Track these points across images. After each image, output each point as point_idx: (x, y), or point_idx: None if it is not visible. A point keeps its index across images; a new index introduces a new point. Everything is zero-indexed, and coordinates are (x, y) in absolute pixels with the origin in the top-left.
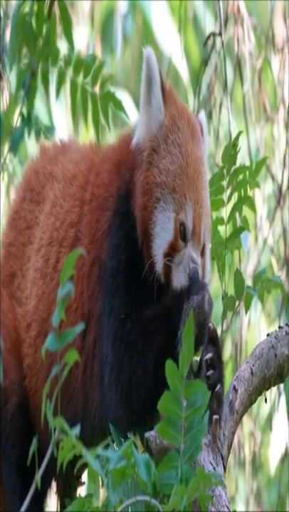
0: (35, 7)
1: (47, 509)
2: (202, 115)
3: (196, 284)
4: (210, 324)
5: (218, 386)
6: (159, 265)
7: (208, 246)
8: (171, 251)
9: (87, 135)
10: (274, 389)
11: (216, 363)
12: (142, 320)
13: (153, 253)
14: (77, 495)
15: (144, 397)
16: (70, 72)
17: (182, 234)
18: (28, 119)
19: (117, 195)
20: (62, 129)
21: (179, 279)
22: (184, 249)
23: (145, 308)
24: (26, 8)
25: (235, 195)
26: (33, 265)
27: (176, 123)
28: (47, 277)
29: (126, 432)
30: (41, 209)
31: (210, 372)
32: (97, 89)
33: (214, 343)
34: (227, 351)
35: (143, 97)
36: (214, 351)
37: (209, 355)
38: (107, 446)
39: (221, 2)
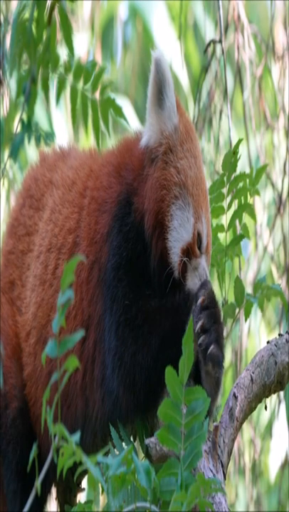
0: (36, 13)
1: None
2: None
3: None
4: (200, 299)
5: (211, 347)
6: (175, 258)
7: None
8: (189, 252)
9: (87, 141)
10: (274, 396)
11: (209, 326)
12: (148, 307)
13: (169, 244)
14: (77, 501)
15: (146, 377)
16: (70, 78)
17: (198, 243)
18: (28, 126)
19: (116, 200)
20: (63, 135)
21: (194, 283)
22: (199, 258)
23: (150, 299)
24: (26, 15)
25: (236, 202)
26: (32, 272)
27: (189, 134)
28: (46, 284)
29: (126, 415)
30: (40, 216)
31: (201, 339)
32: (97, 95)
33: (207, 307)
34: (227, 358)
35: (152, 99)
36: (206, 315)
37: (199, 325)
38: (107, 453)
39: (221, 9)
